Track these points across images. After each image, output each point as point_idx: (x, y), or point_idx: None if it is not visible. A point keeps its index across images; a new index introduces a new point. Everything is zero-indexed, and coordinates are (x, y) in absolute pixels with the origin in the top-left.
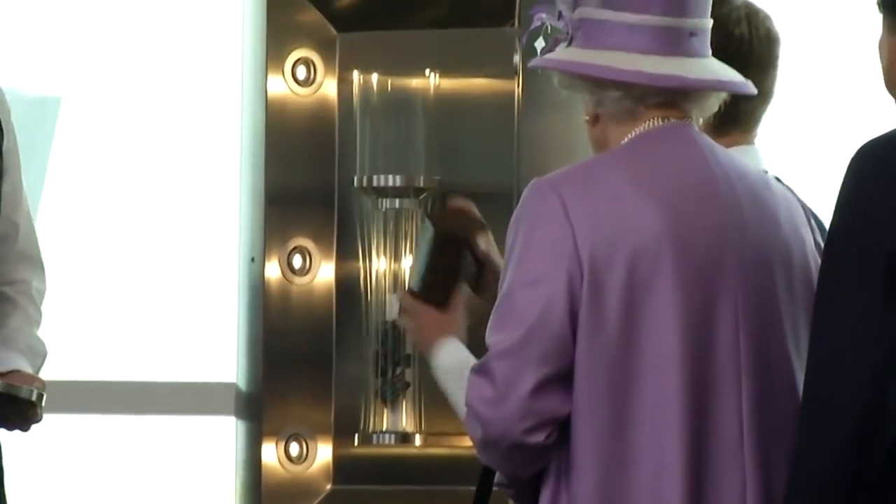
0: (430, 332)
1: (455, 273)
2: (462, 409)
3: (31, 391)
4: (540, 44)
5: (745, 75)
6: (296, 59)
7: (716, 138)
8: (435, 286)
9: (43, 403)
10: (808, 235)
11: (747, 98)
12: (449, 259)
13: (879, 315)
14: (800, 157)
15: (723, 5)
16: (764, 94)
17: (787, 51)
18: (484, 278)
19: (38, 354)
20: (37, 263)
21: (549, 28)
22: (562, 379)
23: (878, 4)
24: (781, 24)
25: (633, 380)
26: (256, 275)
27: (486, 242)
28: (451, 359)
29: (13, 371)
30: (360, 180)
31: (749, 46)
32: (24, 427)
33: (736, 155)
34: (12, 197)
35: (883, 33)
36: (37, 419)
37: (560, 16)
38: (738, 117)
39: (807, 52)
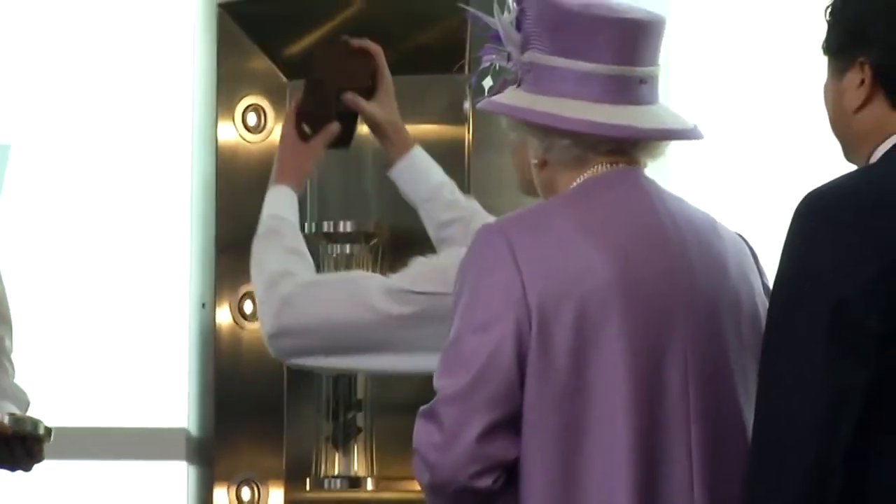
0: (284, 160)
1: (324, 114)
2: (258, 264)
3: (41, 426)
4: (488, 83)
5: None
6: (246, 105)
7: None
8: (307, 120)
9: (50, 440)
10: (757, 280)
11: None
12: (317, 100)
13: (826, 364)
14: (749, 192)
15: None
16: None
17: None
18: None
19: (23, 402)
20: (7, 320)
21: (497, 68)
22: (509, 424)
23: (823, 49)
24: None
25: (582, 426)
26: (207, 320)
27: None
28: (273, 208)
29: (9, 413)
30: (311, 226)
31: None
32: (28, 467)
33: (684, 199)
34: None
35: (828, 78)
36: (41, 458)
37: (509, 58)
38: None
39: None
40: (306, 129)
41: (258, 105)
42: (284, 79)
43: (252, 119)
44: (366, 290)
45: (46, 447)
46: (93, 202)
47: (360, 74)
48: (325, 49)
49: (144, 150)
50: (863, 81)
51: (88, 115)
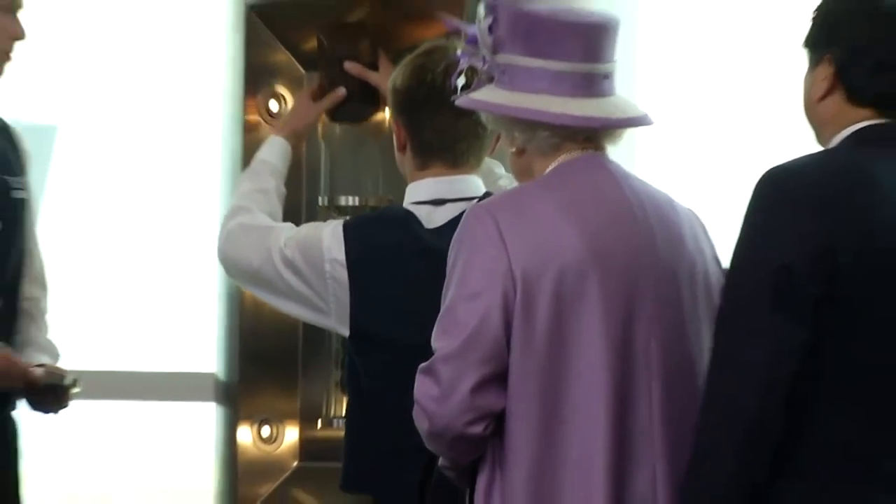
0: (289, 118)
1: (332, 81)
2: (233, 194)
3: (69, 377)
4: (461, 81)
5: (447, 117)
6: (269, 93)
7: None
8: (321, 83)
9: (76, 388)
10: (708, 247)
11: (453, 139)
12: (326, 69)
13: (769, 322)
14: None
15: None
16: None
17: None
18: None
19: (55, 354)
20: (44, 284)
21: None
22: (498, 379)
23: (803, 42)
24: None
25: (562, 381)
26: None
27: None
28: (263, 153)
29: (41, 364)
30: (324, 199)
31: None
32: (57, 410)
33: (644, 180)
34: (33, 230)
35: (808, 68)
36: (67, 404)
37: (484, 60)
38: (439, 153)
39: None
40: (319, 94)
41: (279, 93)
42: (302, 70)
43: (274, 105)
44: (272, 242)
45: (78, 392)
46: (133, 174)
47: (363, 50)
48: (332, 27)
49: (182, 130)
50: (827, 75)
51: (133, 100)
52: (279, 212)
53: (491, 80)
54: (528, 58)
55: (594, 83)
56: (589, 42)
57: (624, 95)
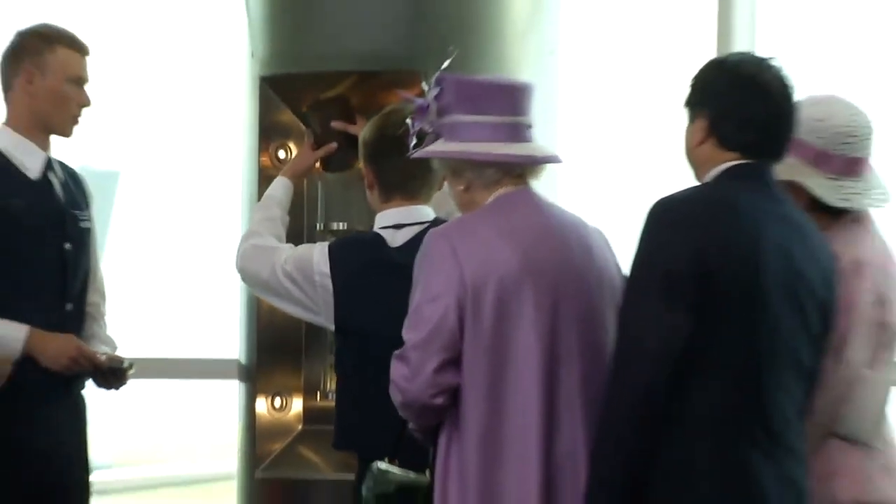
0: (292, 164)
1: (324, 138)
2: (250, 221)
3: (126, 361)
4: (414, 141)
5: (404, 163)
6: (277, 144)
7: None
8: (317, 140)
9: (132, 370)
10: (612, 258)
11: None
12: (319, 130)
13: (657, 314)
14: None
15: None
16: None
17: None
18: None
19: (114, 346)
20: (104, 294)
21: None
22: (454, 362)
23: (684, 103)
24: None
25: (503, 362)
26: None
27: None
28: (271, 190)
29: (104, 353)
30: (320, 225)
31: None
32: (118, 388)
33: (562, 207)
34: (95, 252)
35: (688, 122)
36: (125, 382)
37: (431, 124)
38: (405, 187)
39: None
40: (315, 146)
41: (286, 144)
42: (303, 127)
43: (282, 154)
44: (276, 259)
45: (133, 374)
46: (179, 204)
47: (344, 113)
48: (319, 102)
49: (210, 171)
50: (702, 127)
51: (174, 150)
52: (283, 234)
53: (437, 137)
54: (472, 115)
55: (521, 132)
56: (515, 101)
57: (540, 142)
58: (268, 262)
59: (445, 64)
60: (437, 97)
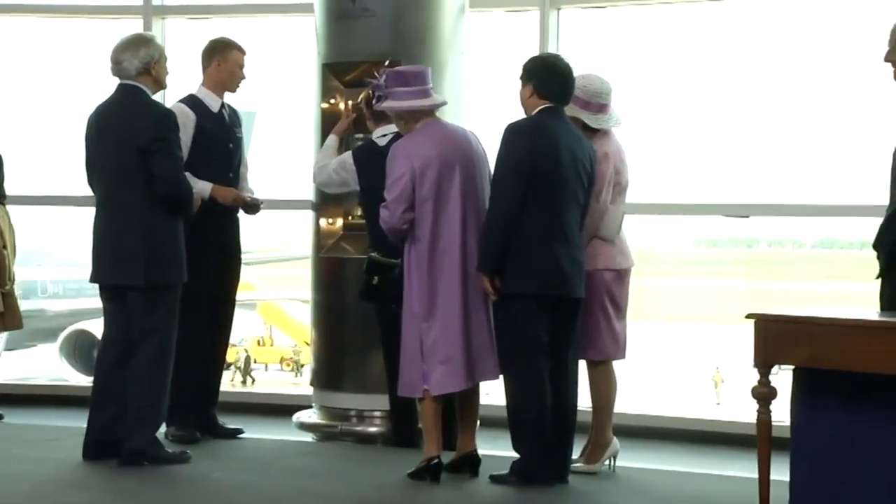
0: (338, 125)
1: (357, 110)
2: (320, 158)
3: (260, 200)
4: (376, 100)
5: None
6: (329, 97)
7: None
8: (350, 110)
9: (262, 204)
10: (481, 148)
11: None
12: (353, 108)
13: (512, 184)
14: None
15: None
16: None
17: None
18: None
19: (252, 193)
20: (248, 168)
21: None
22: (411, 208)
23: (520, 76)
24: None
25: (440, 208)
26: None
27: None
28: (327, 140)
29: (248, 195)
30: (350, 138)
31: None
32: (255, 213)
33: (456, 124)
34: (242, 149)
35: (521, 85)
36: (259, 211)
37: (384, 92)
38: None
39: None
40: (354, 112)
41: (334, 97)
42: (344, 90)
43: (332, 101)
44: (329, 168)
45: (263, 207)
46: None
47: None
48: (355, 95)
49: (296, 115)
50: (529, 88)
51: (279, 102)
52: (335, 158)
53: (386, 98)
54: (402, 87)
55: (428, 93)
56: (423, 77)
57: (437, 96)
58: (326, 171)
59: (387, 62)
60: (385, 79)
